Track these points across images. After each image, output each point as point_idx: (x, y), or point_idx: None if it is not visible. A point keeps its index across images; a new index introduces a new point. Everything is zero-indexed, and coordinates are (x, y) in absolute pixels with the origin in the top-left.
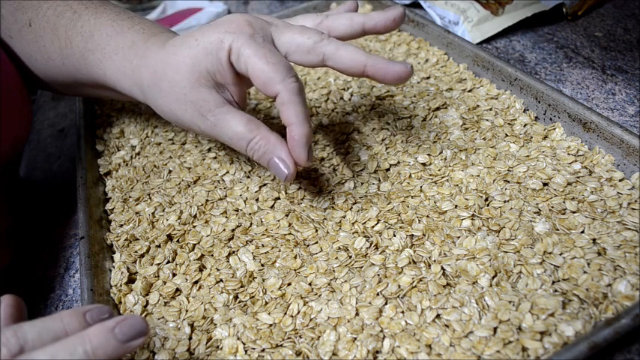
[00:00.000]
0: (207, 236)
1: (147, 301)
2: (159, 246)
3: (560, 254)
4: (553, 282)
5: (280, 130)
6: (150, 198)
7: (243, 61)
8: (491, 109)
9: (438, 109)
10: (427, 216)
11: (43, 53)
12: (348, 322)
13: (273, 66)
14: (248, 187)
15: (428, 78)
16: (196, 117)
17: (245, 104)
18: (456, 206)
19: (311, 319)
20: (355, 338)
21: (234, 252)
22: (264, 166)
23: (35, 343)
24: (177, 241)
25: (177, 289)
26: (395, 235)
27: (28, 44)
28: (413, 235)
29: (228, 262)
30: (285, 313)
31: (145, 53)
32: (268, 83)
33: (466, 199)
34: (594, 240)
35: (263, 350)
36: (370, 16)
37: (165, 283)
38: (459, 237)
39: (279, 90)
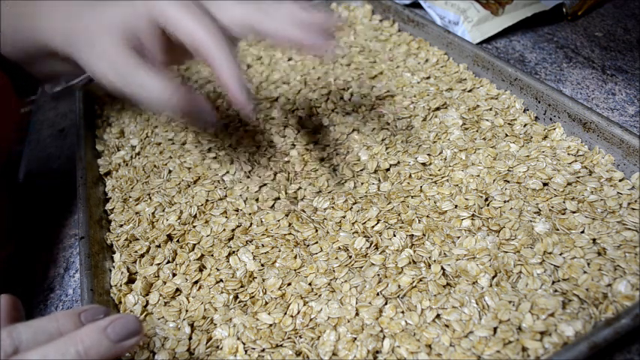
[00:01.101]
0: (207, 236)
1: (147, 301)
2: (159, 246)
3: (560, 254)
4: (553, 282)
5: (277, 130)
6: (150, 198)
7: (171, 18)
8: (491, 109)
9: (438, 109)
10: (427, 216)
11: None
12: (348, 322)
13: (200, 19)
14: (248, 187)
15: (428, 78)
16: (117, 75)
17: (166, 68)
18: (456, 206)
19: (311, 319)
20: (355, 338)
21: (234, 252)
22: (185, 113)
23: (30, 343)
24: (177, 241)
25: (177, 289)
26: (395, 235)
27: None
28: (413, 235)
29: (228, 262)
30: (285, 313)
31: (80, 13)
32: (195, 34)
33: (466, 199)
34: (594, 240)
35: (263, 350)
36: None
37: (165, 283)
38: (459, 237)
39: (205, 39)
